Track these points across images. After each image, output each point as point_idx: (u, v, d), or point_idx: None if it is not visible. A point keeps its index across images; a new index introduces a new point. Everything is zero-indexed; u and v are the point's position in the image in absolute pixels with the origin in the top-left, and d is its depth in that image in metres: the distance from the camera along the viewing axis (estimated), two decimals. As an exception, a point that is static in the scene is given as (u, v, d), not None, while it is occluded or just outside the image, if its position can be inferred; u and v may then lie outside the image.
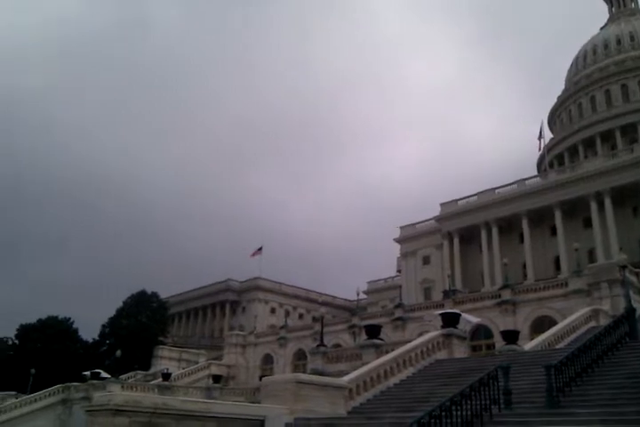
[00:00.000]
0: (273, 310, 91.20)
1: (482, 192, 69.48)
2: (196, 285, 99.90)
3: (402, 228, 78.68)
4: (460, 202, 71.59)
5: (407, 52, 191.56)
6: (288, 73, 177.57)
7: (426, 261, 74.11)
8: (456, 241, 69.42)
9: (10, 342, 71.97)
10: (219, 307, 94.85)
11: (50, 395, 48.67)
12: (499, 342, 38.29)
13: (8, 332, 73.28)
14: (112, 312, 74.62)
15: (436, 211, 73.25)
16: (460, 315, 25.94)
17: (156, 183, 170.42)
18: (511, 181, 68.27)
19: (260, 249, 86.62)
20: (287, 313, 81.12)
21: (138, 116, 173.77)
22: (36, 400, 47.75)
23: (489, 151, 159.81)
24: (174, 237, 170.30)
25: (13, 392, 55.70)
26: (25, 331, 70.62)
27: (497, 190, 68.49)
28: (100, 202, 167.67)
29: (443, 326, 24.77)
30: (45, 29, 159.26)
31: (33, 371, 56.68)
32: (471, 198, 70.69)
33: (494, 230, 66.28)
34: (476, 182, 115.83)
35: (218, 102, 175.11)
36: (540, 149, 78.43)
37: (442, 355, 23.54)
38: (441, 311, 27.50)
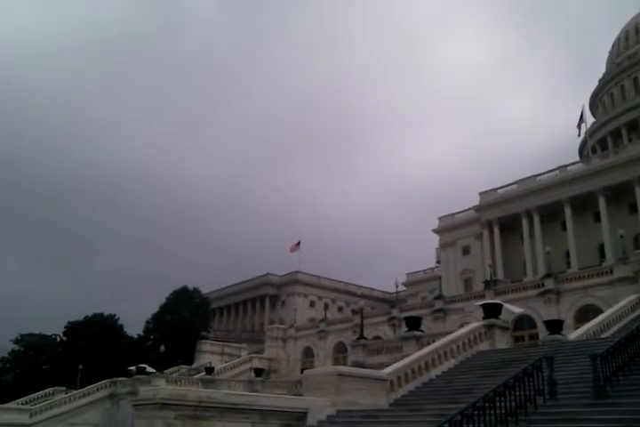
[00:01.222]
0: (312, 304, 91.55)
1: (522, 180, 68.19)
2: (235, 280, 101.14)
3: (440, 218, 77.89)
4: (499, 191, 70.40)
5: (442, 33, 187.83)
6: (318, 59, 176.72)
7: (465, 251, 73.23)
8: (496, 230, 68.36)
9: (58, 340, 74.02)
10: (259, 301, 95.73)
11: (97, 390, 50.00)
12: (542, 333, 37.65)
13: (56, 329, 75.52)
14: (155, 309, 76.20)
15: (475, 200, 72.32)
16: (501, 305, 25.55)
17: (193, 179, 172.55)
18: (552, 167, 66.87)
19: (299, 243, 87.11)
20: (326, 306, 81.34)
21: (174, 114, 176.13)
22: (84, 395, 49.11)
23: (528, 137, 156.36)
24: (212, 233, 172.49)
25: (63, 387, 57.46)
26: (72, 328, 72.55)
27: (538, 178, 67.11)
28: (139, 200, 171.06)
29: (484, 317, 24.46)
30: (83, 31, 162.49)
31: (81, 367, 58.28)
32: (511, 187, 69.44)
33: (536, 219, 65.01)
34: (515, 169, 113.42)
35: (250, 95, 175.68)
36: (579, 135, 76.45)
37: (484, 346, 23.26)
38: (482, 302, 27.17)
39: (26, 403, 52.16)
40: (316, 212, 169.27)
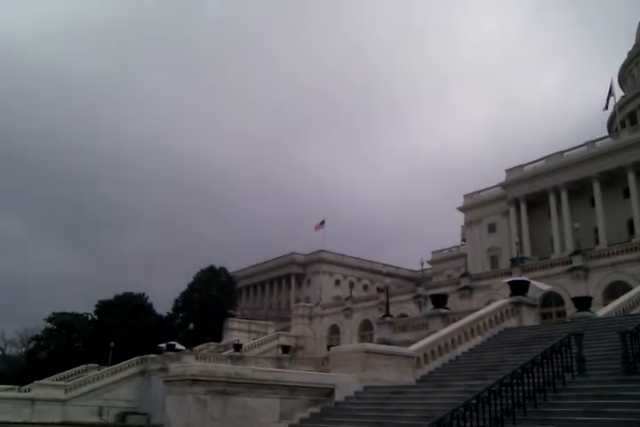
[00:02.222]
0: (337, 282, 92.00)
1: (549, 156, 67.06)
2: (261, 259, 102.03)
3: (466, 196, 77.18)
4: (526, 167, 69.36)
5: (467, 6, 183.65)
6: (341, 37, 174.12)
7: (491, 228, 72.62)
8: (523, 207, 67.56)
9: (90, 318, 75.63)
10: (284, 280, 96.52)
11: (129, 366, 51.22)
12: (570, 310, 37.43)
13: (88, 308, 77.19)
14: (183, 287, 77.31)
15: (501, 177, 71.42)
16: (529, 282, 25.39)
17: (218, 159, 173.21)
18: (579, 143, 65.56)
19: (323, 222, 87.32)
20: (351, 285, 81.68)
21: (198, 95, 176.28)
22: (116, 372, 50.37)
23: (555, 112, 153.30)
24: (238, 213, 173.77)
25: (95, 364, 59.04)
26: (103, 307, 74.05)
27: (565, 153, 65.89)
28: (165, 181, 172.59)
29: (511, 294, 24.35)
30: (110, 11, 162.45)
31: (112, 344, 59.64)
32: (538, 163, 68.35)
33: (564, 195, 64.04)
34: (541, 145, 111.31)
35: (275, 73, 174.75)
36: (605, 107, 74.44)
37: (511, 323, 23.20)
38: (509, 279, 27.02)
39: (60, 379, 53.75)
40: (341, 190, 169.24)
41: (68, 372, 57.74)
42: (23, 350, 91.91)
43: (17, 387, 51.68)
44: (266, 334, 66.46)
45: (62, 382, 49.66)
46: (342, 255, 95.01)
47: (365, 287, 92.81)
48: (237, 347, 54.65)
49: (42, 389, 45.13)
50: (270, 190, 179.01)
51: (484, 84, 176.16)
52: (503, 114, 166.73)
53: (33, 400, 43.25)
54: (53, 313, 73.44)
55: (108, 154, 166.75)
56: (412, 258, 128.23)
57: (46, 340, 72.03)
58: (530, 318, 24.17)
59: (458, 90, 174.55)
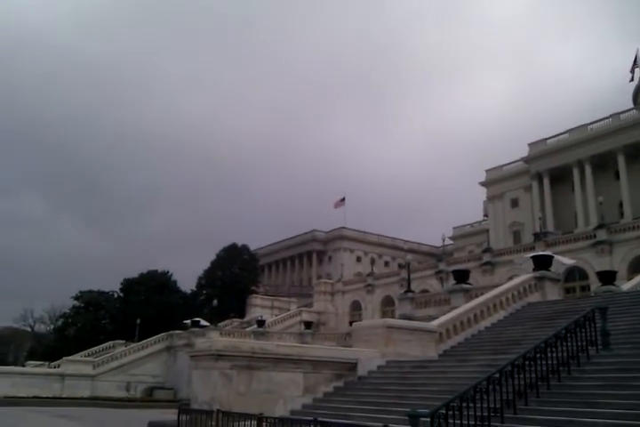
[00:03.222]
0: (358, 259, 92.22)
1: (573, 129, 65.86)
2: (282, 236, 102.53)
3: (488, 171, 76.38)
4: (549, 141, 68.26)
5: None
6: (364, 6, 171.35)
7: (514, 203, 71.95)
8: (546, 182, 66.71)
9: (115, 296, 76.92)
10: (306, 257, 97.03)
11: (155, 342, 52.18)
12: (594, 284, 37.17)
13: (113, 286, 78.51)
14: (206, 265, 78.17)
15: (524, 151, 70.44)
16: (552, 257, 25.21)
17: (238, 137, 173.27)
18: (603, 115, 64.15)
19: (343, 199, 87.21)
20: (373, 261, 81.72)
21: (216, 72, 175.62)
22: (143, 348, 51.37)
23: (578, 84, 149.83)
24: (258, 190, 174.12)
25: (122, 341, 60.26)
26: (129, 284, 75.22)
27: (590, 126, 64.63)
28: (186, 159, 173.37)
29: (534, 269, 24.22)
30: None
31: (138, 321, 60.73)
32: (562, 136, 67.20)
33: (587, 168, 63.04)
34: (565, 118, 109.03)
35: (295, 44, 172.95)
36: (631, 79, 72.49)
37: (534, 298, 23.13)
38: (532, 254, 26.86)
39: (88, 356, 55.00)
40: (361, 166, 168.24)
41: (96, 348, 59.02)
42: (52, 327, 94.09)
43: (47, 363, 53.07)
44: (288, 310, 67.10)
45: (90, 359, 50.81)
46: (363, 232, 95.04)
47: (387, 264, 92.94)
48: (261, 323, 55.33)
49: (71, 365, 46.25)
50: (291, 167, 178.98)
51: (508, 57, 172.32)
52: (526, 87, 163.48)
53: (63, 376, 44.39)
54: (80, 291, 74.78)
55: (129, 132, 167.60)
56: (434, 234, 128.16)
57: (74, 317, 73.49)
58: (553, 293, 24.07)
59: (481, 62, 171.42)
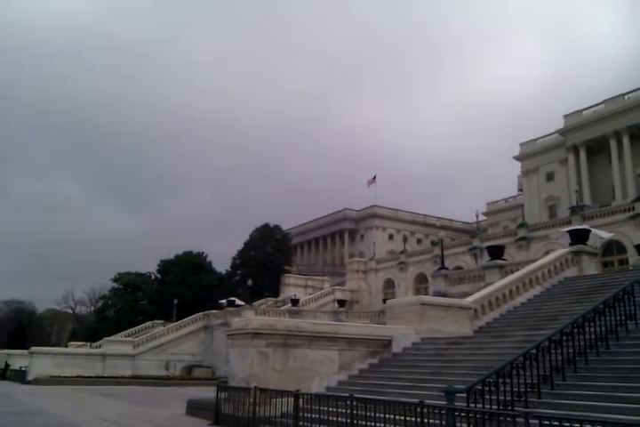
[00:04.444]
0: (391, 237, 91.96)
1: (609, 99, 63.89)
2: (314, 216, 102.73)
3: (522, 144, 74.89)
4: (585, 112, 66.40)
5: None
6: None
7: (549, 177, 70.54)
8: (582, 154, 65.14)
9: (153, 277, 78.43)
10: (338, 236, 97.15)
11: (192, 322, 53.14)
12: (632, 257, 36.43)
13: (150, 267, 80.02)
14: (240, 246, 79.00)
15: (559, 123, 68.77)
16: (589, 231, 24.74)
17: (264, 115, 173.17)
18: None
19: (374, 178, 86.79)
20: (405, 239, 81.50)
21: (241, 55, 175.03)
22: (181, 327, 52.36)
23: (615, 53, 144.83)
24: (289, 172, 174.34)
25: (160, 321, 61.58)
26: (165, 266, 76.60)
27: (627, 96, 62.62)
28: (214, 144, 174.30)
29: (571, 244, 23.82)
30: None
31: (175, 301, 61.87)
32: (598, 107, 65.28)
33: (625, 139, 61.26)
34: (601, 88, 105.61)
35: (319, 21, 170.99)
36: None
37: (571, 272, 22.79)
38: (569, 228, 26.40)
39: (128, 336, 56.40)
40: (392, 142, 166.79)
41: (135, 328, 60.47)
42: (92, 309, 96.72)
43: (89, 344, 54.66)
44: (322, 288, 67.47)
45: (130, 339, 52.03)
46: (395, 210, 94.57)
47: (419, 241, 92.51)
48: (295, 302, 55.82)
49: (112, 345, 47.46)
50: (320, 146, 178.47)
51: (542, 27, 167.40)
52: (561, 57, 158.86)
53: (104, 356, 45.62)
54: (118, 273, 76.43)
55: (160, 116, 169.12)
56: (466, 210, 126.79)
57: (113, 299, 75.26)
58: (590, 267, 23.67)
59: (513, 33, 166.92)
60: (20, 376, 43.56)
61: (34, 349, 45.33)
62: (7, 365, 51.28)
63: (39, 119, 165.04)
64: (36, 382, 38.65)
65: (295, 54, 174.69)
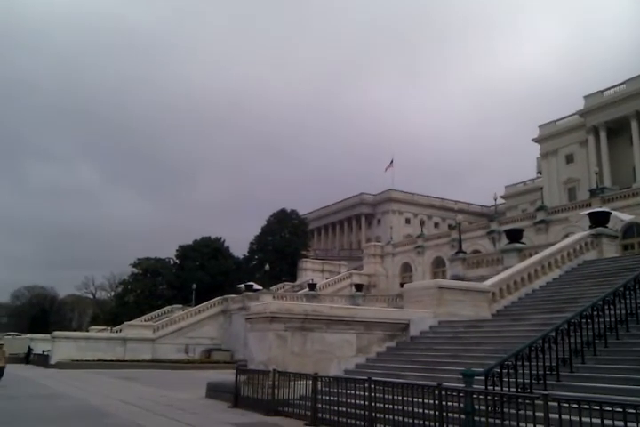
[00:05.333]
0: (408, 221, 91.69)
1: (631, 79, 62.62)
2: (331, 201, 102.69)
3: (541, 126, 73.89)
4: (605, 92, 65.21)
5: None
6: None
7: (569, 159, 69.62)
8: (603, 135, 64.11)
9: (172, 262, 79.08)
10: (354, 220, 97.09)
11: (211, 306, 53.62)
12: (654, 240, 35.93)
13: (169, 253, 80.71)
14: (257, 231, 79.29)
15: (579, 105, 67.65)
16: (609, 213, 24.44)
17: (280, 97, 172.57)
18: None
19: (392, 162, 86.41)
20: (422, 223, 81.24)
21: (259, 38, 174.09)
22: (200, 311, 52.87)
23: (630, 34, 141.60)
24: (306, 156, 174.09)
25: (180, 305, 62.24)
26: (183, 251, 77.13)
27: (648, 76, 61.39)
28: (233, 128, 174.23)
29: (591, 226, 23.56)
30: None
31: (194, 286, 62.45)
32: (619, 87, 64.05)
33: (646, 120, 60.18)
34: (622, 68, 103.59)
35: (341, 11, 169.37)
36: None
37: (591, 255, 22.57)
38: (589, 211, 26.08)
39: (148, 320, 57.14)
40: (408, 127, 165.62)
41: (155, 313, 61.20)
42: (112, 294, 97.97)
43: (109, 328, 55.46)
44: (339, 273, 67.59)
45: (150, 323, 52.69)
46: (412, 194, 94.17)
47: (436, 225, 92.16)
48: (312, 286, 56.04)
49: (132, 329, 48.11)
50: (337, 129, 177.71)
51: (560, 6, 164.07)
52: (580, 38, 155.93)
53: (125, 340, 46.27)
54: (138, 259, 77.22)
55: (176, 102, 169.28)
56: (484, 194, 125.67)
57: (133, 284, 76.10)
58: (611, 250, 23.42)
59: (531, 13, 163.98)
60: (43, 360, 44.40)
61: (56, 333, 46.11)
62: (30, 349, 52.28)
63: (59, 104, 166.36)
64: (59, 365, 39.38)
65: (314, 37, 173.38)
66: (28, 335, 64.42)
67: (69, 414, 14.24)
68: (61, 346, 43.11)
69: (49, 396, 19.45)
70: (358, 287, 57.08)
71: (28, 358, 49.67)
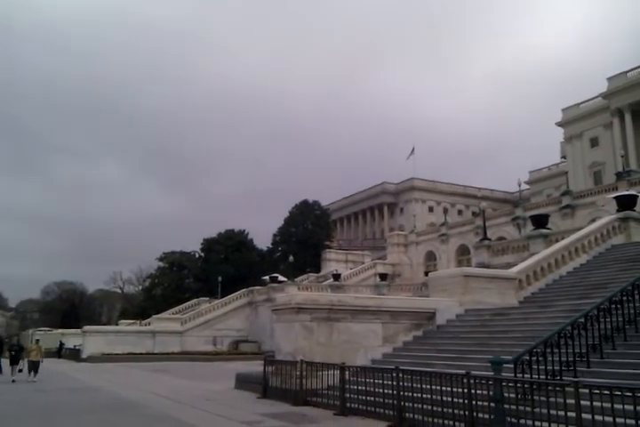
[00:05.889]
0: (431, 209, 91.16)
1: (656, 59, 61.31)
2: (352, 191, 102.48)
3: (564, 110, 72.65)
4: (629, 73, 63.83)
5: None
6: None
7: (594, 142, 68.43)
8: (628, 117, 62.82)
9: (197, 255, 79.75)
10: (377, 209, 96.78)
11: (237, 298, 54.02)
12: (684, 223, 35.18)
13: (194, 246, 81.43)
14: (279, 222, 79.57)
15: (602, 87, 66.33)
16: (637, 196, 23.99)
17: (299, 88, 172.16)
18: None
19: (413, 150, 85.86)
20: (445, 210, 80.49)
21: (276, 27, 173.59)
22: (226, 304, 53.31)
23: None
24: (325, 146, 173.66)
25: (206, 298, 62.83)
26: (208, 244, 77.69)
27: (674, 55, 59.94)
28: (248, 116, 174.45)
29: (618, 210, 23.17)
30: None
31: (220, 279, 62.94)
32: (643, 68, 62.67)
33: (673, 101, 58.86)
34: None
35: None
36: None
37: (618, 240, 22.24)
38: (616, 194, 25.65)
39: (175, 313, 57.81)
40: (431, 112, 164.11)
41: (182, 306, 61.87)
42: (140, 288, 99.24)
43: (138, 321, 56.25)
44: (362, 263, 67.56)
45: (178, 316, 53.30)
46: (434, 182, 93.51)
47: (460, 212, 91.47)
48: (336, 276, 56.11)
49: (160, 322, 48.72)
50: (357, 119, 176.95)
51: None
52: (602, 19, 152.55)
53: (154, 333, 46.89)
54: (164, 253, 78.06)
55: (195, 95, 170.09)
56: (507, 180, 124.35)
57: (160, 277, 76.96)
58: (638, 234, 23.02)
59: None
60: (75, 354, 45.26)
61: (86, 328, 46.93)
62: (62, 344, 53.33)
63: (83, 101, 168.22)
64: (90, 359, 40.13)
65: (334, 24, 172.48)
66: (60, 330, 65.71)
67: (104, 406, 14.53)
68: (92, 340, 43.88)
69: (83, 389, 19.84)
70: (382, 277, 57.00)
71: (60, 352, 50.69)
